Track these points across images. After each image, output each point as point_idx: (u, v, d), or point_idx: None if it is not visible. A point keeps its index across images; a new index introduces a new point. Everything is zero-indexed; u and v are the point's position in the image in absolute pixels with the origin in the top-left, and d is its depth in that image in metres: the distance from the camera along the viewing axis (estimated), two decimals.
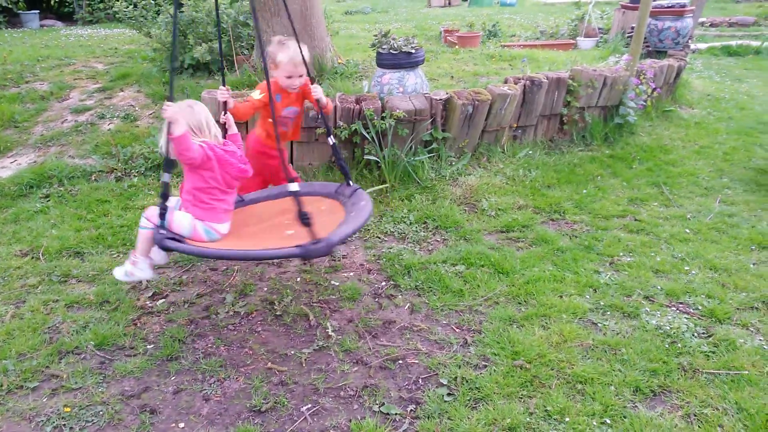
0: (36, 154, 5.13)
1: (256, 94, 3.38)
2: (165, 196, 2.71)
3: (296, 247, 2.54)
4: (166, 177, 2.71)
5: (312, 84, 3.43)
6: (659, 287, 3.33)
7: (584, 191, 4.66)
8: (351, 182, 3.34)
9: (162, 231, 2.72)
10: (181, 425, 2.39)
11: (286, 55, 3.28)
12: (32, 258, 3.69)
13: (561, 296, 3.23)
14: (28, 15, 11.25)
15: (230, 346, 2.89)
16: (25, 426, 2.38)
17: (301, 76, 3.35)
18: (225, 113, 3.29)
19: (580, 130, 5.63)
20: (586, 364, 2.69)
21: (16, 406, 2.48)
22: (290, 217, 3.04)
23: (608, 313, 3.11)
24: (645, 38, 6.66)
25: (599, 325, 3.00)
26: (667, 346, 2.82)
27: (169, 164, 2.70)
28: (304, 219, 2.53)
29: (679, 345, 2.82)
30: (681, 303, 3.19)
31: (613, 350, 2.79)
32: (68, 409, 2.45)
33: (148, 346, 2.87)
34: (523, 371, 2.64)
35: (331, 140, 3.35)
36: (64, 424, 2.38)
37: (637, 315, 3.07)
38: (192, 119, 2.89)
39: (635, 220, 4.22)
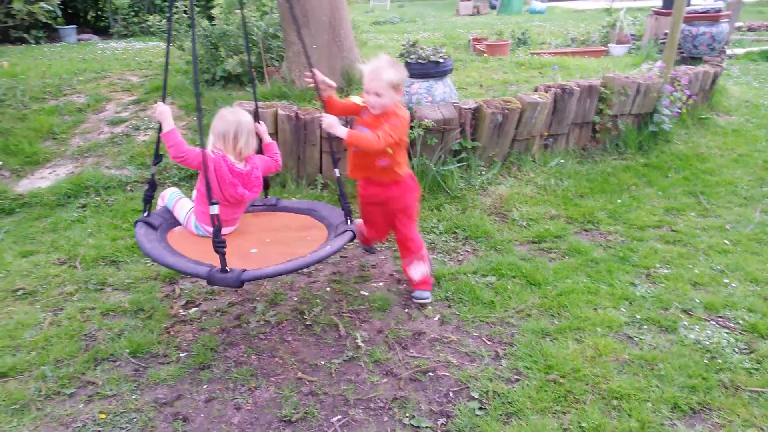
0: (73, 165, 5.26)
1: (357, 100, 3.17)
2: (150, 184, 3.12)
3: (207, 268, 2.57)
4: (152, 169, 3.16)
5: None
6: (698, 300, 3.24)
7: (618, 201, 4.57)
8: (350, 221, 3.14)
9: (145, 214, 3.13)
10: None
11: (367, 68, 3.03)
12: (69, 266, 3.77)
13: (595, 309, 3.17)
14: (66, 30, 11.59)
15: (261, 355, 2.90)
16: (61, 431, 2.43)
17: (378, 95, 2.94)
18: (258, 121, 3.35)
19: (613, 138, 5.55)
20: (622, 379, 2.63)
21: (53, 412, 2.52)
22: (277, 237, 3.14)
23: (645, 326, 3.03)
24: (679, 44, 6.54)
25: (635, 339, 2.93)
26: (706, 361, 2.73)
27: (155, 157, 3.09)
28: (217, 247, 2.54)
29: (720, 361, 2.73)
30: (721, 317, 3.10)
31: (649, 365, 2.72)
32: (103, 416, 2.49)
33: (181, 354, 2.90)
34: (556, 386, 2.59)
35: (337, 173, 3.19)
36: (100, 431, 2.42)
37: (675, 329, 2.99)
38: (218, 127, 3.02)
39: (672, 230, 4.12)
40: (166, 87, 3.07)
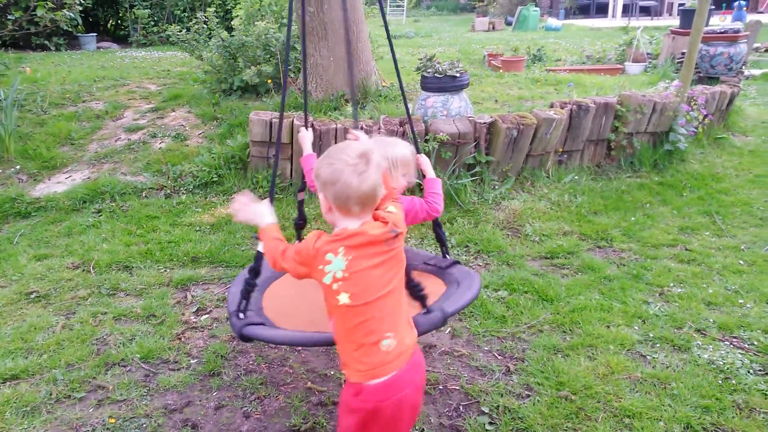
0: (90, 171, 5.31)
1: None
2: (299, 213, 2.80)
3: (235, 312, 2.25)
4: (299, 195, 2.82)
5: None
6: (711, 320, 3.20)
7: (632, 219, 4.54)
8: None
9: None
10: None
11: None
12: (83, 271, 3.80)
13: (608, 326, 3.14)
14: (86, 37, 11.77)
15: (271, 363, 2.90)
16: None
17: None
18: (419, 153, 2.67)
19: (628, 156, 5.52)
20: (634, 397, 2.60)
21: (63, 415, 2.53)
22: None
23: (658, 345, 3.00)
24: (696, 64, 6.52)
25: (648, 357, 2.90)
26: (720, 382, 2.70)
27: (302, 183, 2.73)
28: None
29: (734, 381, 2.69)
30: (735, 337, 3.05)
31: (662, 384, 2.69)
32: (113, 421, 2.49)
33: (192, 361, 2.91)
34: (568, 403, 2.56)
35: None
36: None
37: (689, 348, 2.96)
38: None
39: (686, 249, 4.09)
40: (307, 111, 2.83)
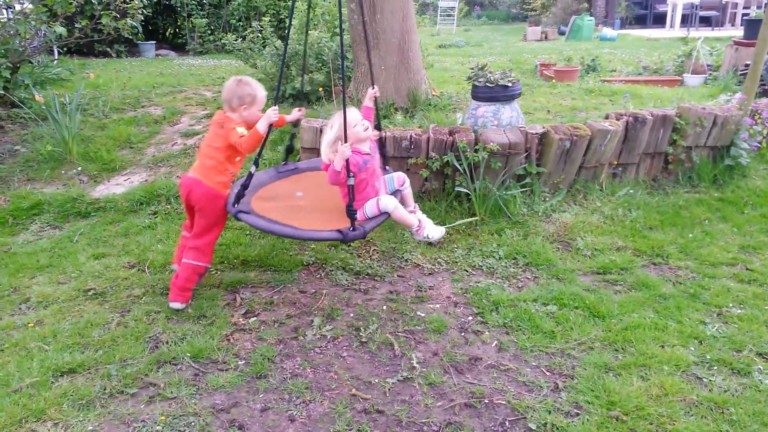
0: (147, 174, 5.49)
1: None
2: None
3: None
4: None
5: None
6: None
7: (690, 235, 4.38)
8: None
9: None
10: None
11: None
12: (139, 270, 3.92)
13: (662, 346, 3.03)
14: (145, 45, 12.20)
15: (316, 368, 2.92)
16: (123, 430, 2.51)
17: None
18: None
19: (686, 170, 5.34)
20: (689, 421, 2.49)
21: (117, 410, 2.61)
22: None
23: (715, 367, 2.88)
24: (761, 76, 6.25)
25: (705, 380, 2.78)
26: None
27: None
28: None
29: None
30: None
31: (720, 409, 2.57)
32: (163, 418, 2.55)
33: (240, 362, 2.96)
34: (618, 423, 2.48)
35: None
36: None
37: (749, 372, 2.82)
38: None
39: (747, 269, 3.91)
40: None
